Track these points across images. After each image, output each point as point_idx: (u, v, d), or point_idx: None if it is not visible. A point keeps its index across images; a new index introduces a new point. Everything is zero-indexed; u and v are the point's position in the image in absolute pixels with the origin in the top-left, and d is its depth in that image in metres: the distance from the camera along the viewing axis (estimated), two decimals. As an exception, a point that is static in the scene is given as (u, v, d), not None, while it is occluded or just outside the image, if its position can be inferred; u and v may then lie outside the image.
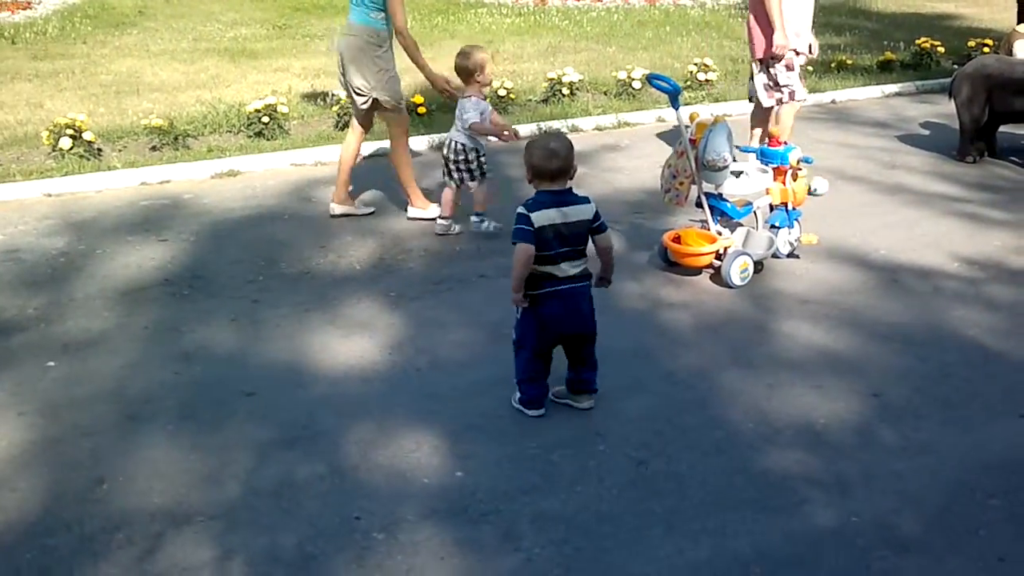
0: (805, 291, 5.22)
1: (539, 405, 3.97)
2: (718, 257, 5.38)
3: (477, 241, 5.93)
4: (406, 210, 6.39)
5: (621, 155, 7.85)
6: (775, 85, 7.02)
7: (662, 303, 5.10)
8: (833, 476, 3.56)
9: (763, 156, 5.66)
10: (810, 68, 10.55)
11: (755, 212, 5.60)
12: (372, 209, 6.48)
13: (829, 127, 8.86)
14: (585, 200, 3.85)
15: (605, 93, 9.60)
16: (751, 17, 7.04)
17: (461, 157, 5.92)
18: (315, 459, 3.63)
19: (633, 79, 9.50)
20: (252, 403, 4.06)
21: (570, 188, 3.84)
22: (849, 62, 11.09)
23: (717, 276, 5.35)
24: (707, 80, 9.97)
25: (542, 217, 3.72)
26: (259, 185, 7.05)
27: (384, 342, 4.62)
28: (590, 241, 3.87)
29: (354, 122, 6.36)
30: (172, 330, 4.75)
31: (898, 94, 10.36)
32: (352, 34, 6.01)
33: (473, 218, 6.01)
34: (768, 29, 6.86)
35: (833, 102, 9.87)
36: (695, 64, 10.13)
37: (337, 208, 6.36)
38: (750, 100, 7.60)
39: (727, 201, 5.49)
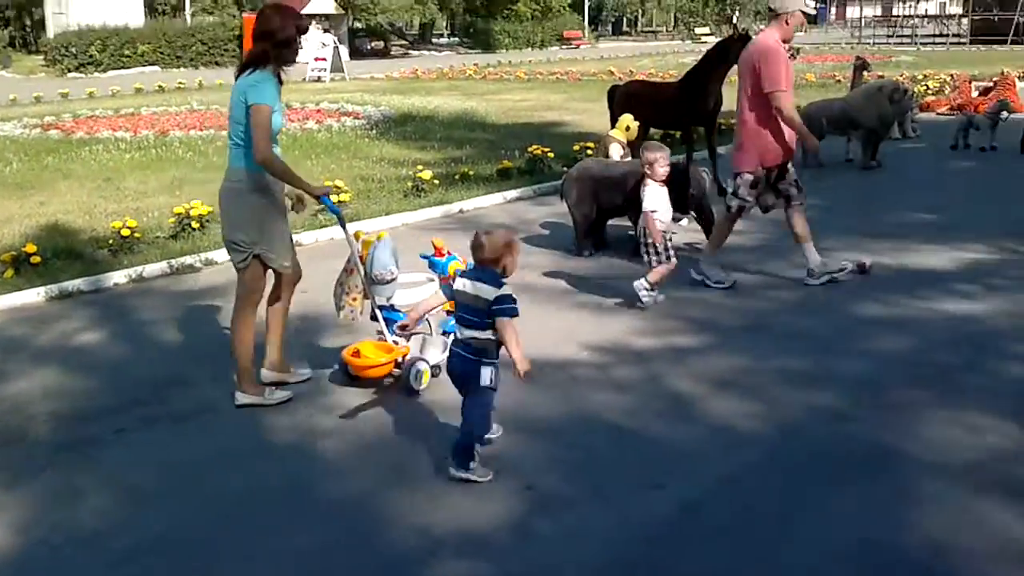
0: (451, 397, 5.37)
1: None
2: (397, 366, 5.50)
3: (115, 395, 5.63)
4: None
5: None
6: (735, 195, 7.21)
7: (316, 431, 5.06)
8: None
9: (430, 266, 5.87)
10: (436, 180, 11.08)
11: (428, 320, 5.67)
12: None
13: (460, 235, 9.24)
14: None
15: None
16: (752, 123, 6.99)
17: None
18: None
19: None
20: None
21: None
22: (471, 172, 11.72)
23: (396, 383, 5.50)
24: (339, 201, 10.13)
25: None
26: None
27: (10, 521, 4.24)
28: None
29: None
30: None
31: (518, 198, 11.07)
32: (229, 180, 5.28)
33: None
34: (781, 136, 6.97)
35: (461, 211, 10.37)
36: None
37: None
38: (766, 211, 7.47)
39: (399, 311, 5.64)
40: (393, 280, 5.60)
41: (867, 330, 6.28)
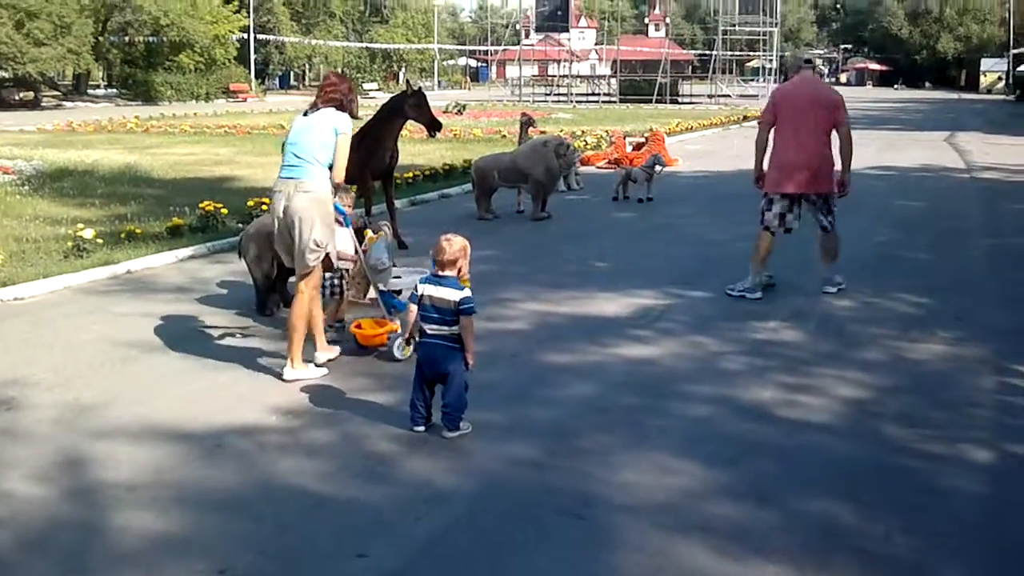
0: (131, 477, 4.91)
1: None
2: (389, 338, 6.82)
3: None
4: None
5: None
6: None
7: None
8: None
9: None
10: (99, 239, 10.31)
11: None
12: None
13: (129, 298, 8.65)
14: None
15: None
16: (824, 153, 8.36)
17: None
18: None
19: None
20: None
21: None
22: (139, 231, 11.00)
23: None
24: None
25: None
26: None
27: None
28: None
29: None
30: None
31: (192, 257, 10.51)
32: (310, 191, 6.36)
33: None
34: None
35: (129, 272, 9.68)
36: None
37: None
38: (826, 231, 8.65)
39: (394, 295, 7.04)
40: (386, 270, 7.16)
41: (555, 378, 6.41)
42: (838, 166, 8.47)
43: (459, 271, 5.39)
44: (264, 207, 12.20)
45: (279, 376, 6.42)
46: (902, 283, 9.06)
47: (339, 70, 77.51)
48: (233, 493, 4.73)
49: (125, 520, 4.46)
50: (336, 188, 6.55)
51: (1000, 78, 76.21)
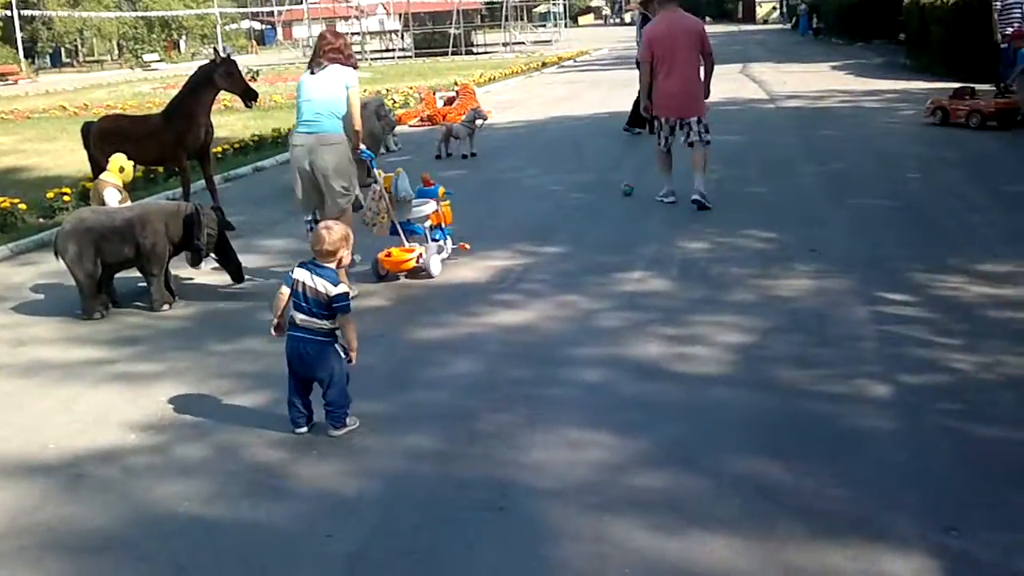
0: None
1: None
2: (416, 262, 7.75)
3: None
4: None
5: None
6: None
7: None
8: None
9: (421, 193, 8.16)
10: None
11: (426, 230, 7.92)
12: None
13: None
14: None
15: None
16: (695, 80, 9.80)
17: None
18: None
19: None
20: None
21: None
22: (-74, 237, 9.90)
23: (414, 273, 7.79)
24: None
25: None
26: None
27: None
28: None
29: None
30: None
31: (-3, 262, 9.53)
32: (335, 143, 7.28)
33: None
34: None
35: (-77, 285, 8.66)
36: None
37: None
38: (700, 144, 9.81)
39: (414, 223, 7.89)
40: (410, 200, 7.96)
41: (431, 356, 6.05)
42: None
43: (339, 262, 5.00)
44: (66, 198, 11.26)
45: (128, 389, 5.81)
46: (748, 218, 9.12)
47: (115, 44, 73.56)
48: (110, 531, 4.18)
49: (-10, 580, 3.88)
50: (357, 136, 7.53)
51: (775, 8, 79.32)
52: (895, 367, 5.37)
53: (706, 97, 9.89)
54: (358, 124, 7.52)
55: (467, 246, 8.30)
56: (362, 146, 7.64)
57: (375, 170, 7.91)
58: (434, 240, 7.98)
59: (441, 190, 8.25)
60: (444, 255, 8.09)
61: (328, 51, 7.35)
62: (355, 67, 7.46)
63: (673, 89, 9.71)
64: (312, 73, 7.36)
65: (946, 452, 4.43)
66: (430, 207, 7.97)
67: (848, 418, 4.79)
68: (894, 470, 4.27)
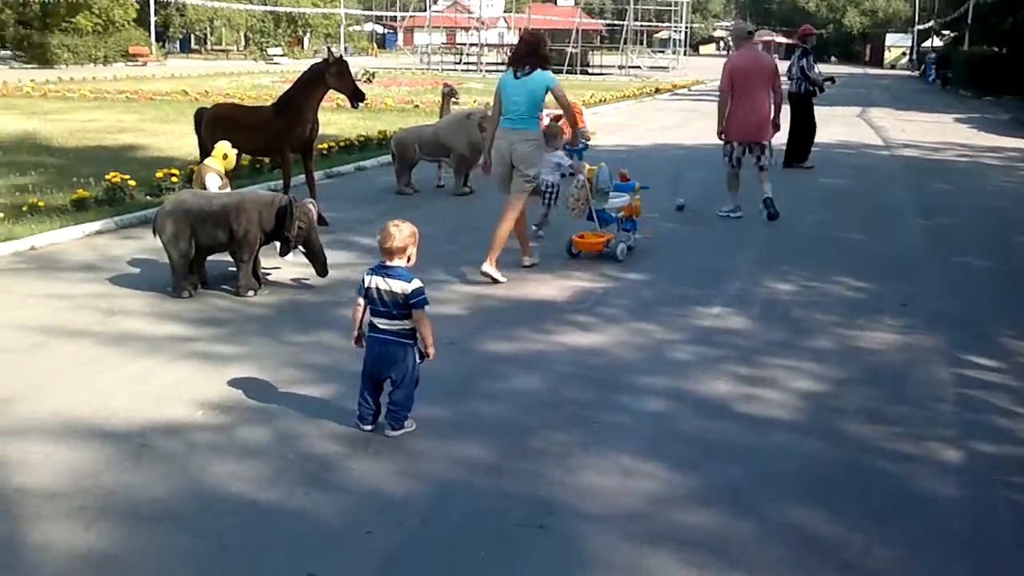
0: (50, 484, 4.46)
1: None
2: (606, 246, 8.97)
3: None
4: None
5: None
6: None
7: None
8: None
9: (619, 187, 9.33)
10: (1, 214, 9.65)
11: (618, 219, 9.14)
12: None
13: (35, 277, 8.06)
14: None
15: None
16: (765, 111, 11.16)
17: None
18: None
19: None
20: None
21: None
22: (41, 204, 10.31)
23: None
24: None
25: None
26: None
27: None
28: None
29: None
30: None
31: (100, 232, 9.87)
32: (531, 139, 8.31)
33: None
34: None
35: (33, 248, 9.03)
36: None
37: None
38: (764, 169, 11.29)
39: (609, 211, 9.06)
40: (609, 191, 9.03)
41: (497, 369, 6.09)
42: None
43: (408, 259, 5.05)
44: (173, 179, 11.62)
45: (202, 367, 5.98)
46: (841, 264, 8.95)
47: (242, 36, 75.65)
48: (165, 502, 4.32)
49: (46, 534, 4.03)
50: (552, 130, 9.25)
51: (904, 53, 77.82)
52: (970, 433, 5.21)
53: (776, 130, 11.43)
54: (571, 117, 8.92)
55: (651, 233, 9.54)
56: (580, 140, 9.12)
57: (581, 162, 9.38)
58: (624, 230, 9.16)
59: (637, 185, 9.47)
60: (630, 242, 9.09)
61: (525, 54, 8.25)
62: (549, 60, 8.49)
63: (746, 117, 11.07)
64: (516, 77, 8.20)
65: (1009, 527, 4.30)
66: (624, 200, 9.17)
67: (911, 479, 4.67)
68: (950, 538, 4.15)
